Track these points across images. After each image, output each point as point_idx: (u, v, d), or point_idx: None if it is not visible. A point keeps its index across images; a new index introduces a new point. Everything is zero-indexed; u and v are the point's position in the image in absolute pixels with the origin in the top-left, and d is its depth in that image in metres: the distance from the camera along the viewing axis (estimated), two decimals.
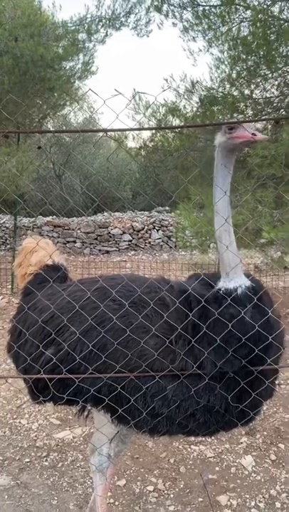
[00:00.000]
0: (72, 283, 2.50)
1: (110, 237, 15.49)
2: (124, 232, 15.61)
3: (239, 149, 2.12)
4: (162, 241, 15.77)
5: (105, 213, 16.57)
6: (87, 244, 15.21)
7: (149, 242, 15.70)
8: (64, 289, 2.35)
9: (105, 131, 1.82)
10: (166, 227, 15.67)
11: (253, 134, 1.96)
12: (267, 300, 2.11)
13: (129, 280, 2.25)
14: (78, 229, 15.24)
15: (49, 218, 15.29)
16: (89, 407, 2.35)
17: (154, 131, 7.43)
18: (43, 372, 2.09)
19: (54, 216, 15.50)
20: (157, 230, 15.88)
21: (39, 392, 2.15)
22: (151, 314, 2.04)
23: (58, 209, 15.11)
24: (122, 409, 1.97)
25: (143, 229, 15.78)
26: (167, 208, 16.34)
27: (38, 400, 2.14)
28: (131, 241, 15.60)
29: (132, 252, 15.18)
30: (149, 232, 15.83)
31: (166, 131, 7.25)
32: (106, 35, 8.41)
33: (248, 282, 2.02)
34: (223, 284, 2.02)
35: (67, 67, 8.71)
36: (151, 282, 2.27)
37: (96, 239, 15.36)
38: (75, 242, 15.26)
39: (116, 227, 15.64)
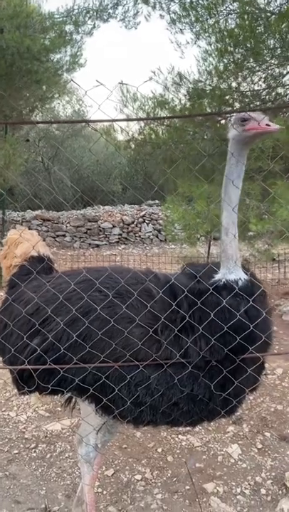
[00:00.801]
0: (57, 275, 2.51)
1: (100, 230, 15.46)
2: (114, 226, 15.59)
3: (252, 142, 2.10)
4: (152, 234, 15.79)
5: (95, 207, 16.53)
6: (76, 238, 15.17)
7: (139, 236, 15.70)
8: (49, 281, 2.36)
9: (88, 121, 1.82)
10: (156, 220, 15.67)
11: (267, 124, 1.95)
12: (262, 293, 2.15)
13: (116, 272, 2.26)
14: (68, 223, 15.19)
15: (38, 212, 15.22)
16: (74, 398, 2.38)
17: (142, 124, 7.42)
18: (28, 363, 2.10)
19: (43, 210, 15.43)
20: (147, 224, 15.88)
21: (24, 382, 2.17)
22: (137, 305, 2.06)
23: (48, 203, 15.04)
24: (106, 398, 1.99)
25: (133, 222, 15.77)
26: (157, 201, 16.34)
27: (24, 390, 2.16)
28: (121, 235, 15.58)
29: (122, 246, 15.18)
30: (139, 225, 15.83)
31: (155, 123, 7.24)
32: (94, 27, 8.36)
33: (246, 276, 2.06)
34: (223, 276, 2.05)
35: (55, 60, 8.64)
36: (137, 274, 2.29)
37: (86, 233, 15.33)
38: (64, 236, 15.21)
39: (106, 220, 15.61)
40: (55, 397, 2.36)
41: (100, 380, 1.97)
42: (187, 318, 1.99)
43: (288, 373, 4.91)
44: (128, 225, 15.69)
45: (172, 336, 1.98)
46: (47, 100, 10.17)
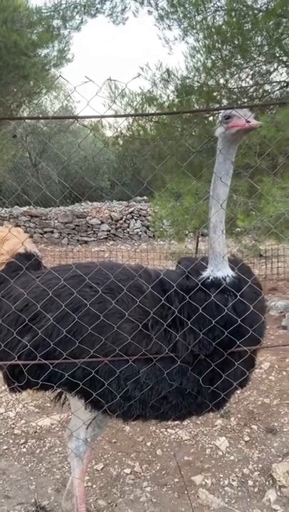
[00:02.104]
0: (46, 270, 2.52)
1: (88, 227, 15.43)
2: (102, 222, 15.58)
3: (239, 139, 2.10)
4: (141, 231, 15.80)
5: (83, 203, 16.49)
6: (64, 235, 15.13)
7: (128, 232, 15.71)
8: (38, 277, 2.37)
9: (76, 117, 1.83)
10: (145, 216, 15.69)
11: (247, 121, 1.98)
12: (255, 291, 2.20)
13: (106, 267, 2.28)
14: (56, 219, 15.13)
15: (26, 208, 15.14)
16: (64, 393, 2.40)
17: (131, 120, 7.41)
18: (18, 359, 2.11)
19: (31, 206, 15.35)
20: (136, 220, 15.89)
21: (16, 378, 2.17)
22: (128, 300, 2.08)
23: (35, 199, 14.96)
24: (96, 393, 2.02)
25: (121, 219, 15.77)
26: (145, 197, 16.36)
27: (14, 385, 2.17)
28: (109, 231, 15.58)
29: (111, 242, 15.18)
30: (128, 221, 15.84)
31: (144, 120, 7.25)
32: (81, 22, 8.32)
33: (233, 273, 2.09)
34: (211, 273, 2.08)
35: (42, 55, 8.58)
36: (127, 269, 2.31)
37: (74, 229, 15.29)
38: (52, 232, 15.16)
39: (94, 217, 15.59)
40: (46, 392, 2.37)
41: (90, 375, 1.99)
42: (176, 314, 2.01)
43: (275, 367, 4.98)
44: (116, 221, 15.68)
45: (162, 330, 2.01)
46: (34, 95, 10.09)
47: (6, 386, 2.43)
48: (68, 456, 2.72)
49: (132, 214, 15.85)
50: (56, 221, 15.10)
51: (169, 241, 14.22)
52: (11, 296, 2.34)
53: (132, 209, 15.84)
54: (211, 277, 2.07)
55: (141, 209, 15.82)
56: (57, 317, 2.06)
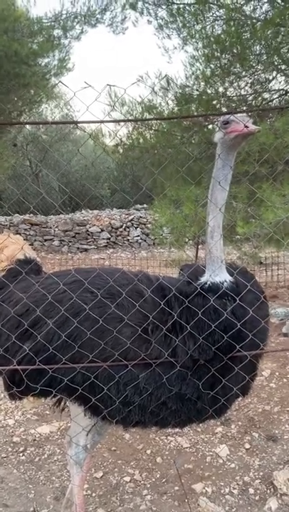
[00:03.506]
0: (47, 275, 2.52)
1: (88, 235, 15.45)
2: (102, 230, 15.59)
3: (238, 144, 2.10)
4: (141, 238, 15.82)
5: (83, 211, 16.53)
6: (65, 243, 15.14)
7: (128, 240, 15.72)
8: (39, 282, 2.37)
9: (76, 122, 1.84)
10: (145, 224, 15.71)
11: (245, 126, 1.97)
12: (256, 297, 2.20)
13: (106, 272, 2.28)
14: (56, 227, 15.15)
15: (26, 216, 15.17)
16: (64, 400, 2.38)
17: (130, 128, 7.46)
18: (19, 365, 2.10)
19: (31, 214, 15.38)
20: (136, 228, 15.91)
21: (16, 384, 2.16)
22: (128, 305, 2.08)
23: (36, 207, 15.00)
24: (95, 398, 2.01)
25: (121, 226, 15.79)
26: (145, 205, 16.40)
27: (13, 391, 2.15)
28: (109, 239, 15.59)
29: (111, 250, 15.18)
30: (128, 229, 15.86)
31: (143, 128, 7.29)
32: (82, 31, 8.40)
33: (231, 278, 2.09)
34: (209, 278, 2.08)
35: (43, 64, 8.65)
36: (128, 275, 2.31)
37: (74, 237, 15.30)
38: (52, 240, 15.17)
39: (94, 225, 15.61)
40: (46, 399, 2.35)
41: (90, 380, 1.98)
42: (176, 319, 2.01)
43: (276, 374, 4.96)
44: (116, 229, 15.70)
45: (162, 335, 2.00)
46: (35, 104, 10.16)
47: (5, 393, 2.42)
48: (68, 464, 2.70)
49: (132, 222, 15.87)
50: (56, 229, 15.12)
51: (168, 249, 14.24)
52: (12, 301, 2.33)
53: (132, 217, 15.87)
54: (208, 282, 2.07)
55: (141, 217, 15.84)
56: (57, 322, 2.06)
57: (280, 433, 3.83)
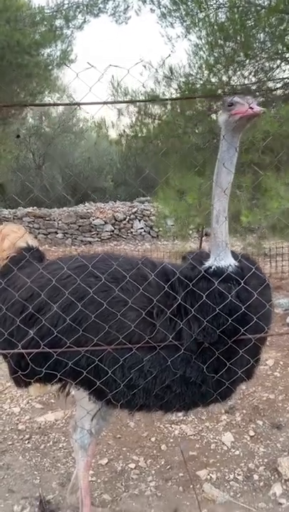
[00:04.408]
0: (51, 261, 2.52)
1: (92, 227, 15.43)
2: (106, 223, 15.57)
3: (243, 126, 2.07)
4: (144, 231, 15.79)
5: (87, 204, 16.50)
6: (68, 235, 15.13)
7: (131, 232, 15.70)
8: (43, 268, 2.37)
9: (79, 104, 1.83)
10: (148, 216, 15.68)
11: (250, 107, 1.94)
12: (258, 277, 2.18)
13: (110, 257, 2.27)
14: (59, 220, 15.14)
15: (30, 209, 15.15)
16: (69, 385, 2.39)
17: (133, 118, 7.41)
18: (25, 349, 2.10)
19: (35, 207, 15.37)
20: (139, 220, 15.88)
21: (22, 369, 2.16)
22: (133, 289, 2.08)
23: (39, 200, 14.98)
24: (100, 381, 2.01)
25: (125, 219, 15.76)
26: (149, 197, 16.35)
27: (18, 374, 2.15)
28: (113, 231, 15.57)
29: (114, 243, 15.16)
30: (131, 222, 15.83)
31: (146, 118, 7.25)
32: (84, 21, 8.33)
33: (235, 262, 2.08)
34: (214, 263, 2.07)
35: (45, 55, 8.60)
36: (133, 260, 2.31)
37: (78, 229, 15.29)
38: (56, 233, 15.16)
39: (98, 217, 15.59)
40: (51, 385, 2.35)
41: (94, 363, 1.99)
42: (180, 302, 2.00)
43: (280, 364, 4.96)
44: (120, 221, 15.67)
45: (166, 319, 2.00)
46: (37, 95, 10.12)
47: (11, 380, 2.42)
48: (73, 450, 2.71)
49: (136, 214, 15.84)
50: (60, 222, 15.11)
51: (172, 241, 14.23)
52: (16, 286, 2.33)
53: (136, 209, 15.83)
54: (213, 266, 2.06)
55: (144, 209, 15.80)
56: (62, 306, 2.06)
57: (285, 421, 3.84)
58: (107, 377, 1.99)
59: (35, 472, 3.25)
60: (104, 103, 1.86)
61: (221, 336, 1.96)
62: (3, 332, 2.20)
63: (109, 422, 2.75)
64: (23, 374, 2.11)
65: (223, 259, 2.06)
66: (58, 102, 17.79)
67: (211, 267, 2.06)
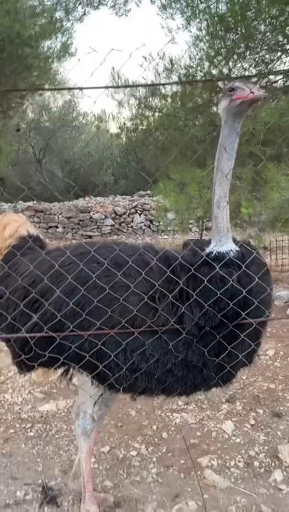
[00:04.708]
0: (54, 248, 2.54)
1: (92, 221, 15.45)
2: (106, 217, 15.59)
3: (244, 111, 2.08)
4: (144, 225, 15.81)
5: (87, 198, 16.51)
6: (68, 229, 15.16)
7: (132, 227, 15.72)
8: (46, 255, 2.38)
9: (81, 88, 1.83)
10: (148, 211, 15.69)
11: (251, 91, 1.94)
12: (258, 263, 2.20)
13: (113, 244, 2.29)
14: (60, 214, 15.16)
15: (30, 203, 15.18)
16: (72, 370, 2.41)
17: (134, 111, 7.41)
18: (28, 336, 2.12)
19: (35, 201, 15.38)
20: (139, 214, 15.90)
21: (25, 353, 2.18)
22: (135, 274, 2.09)
23: (39, 194, 14.99)
24: (102, 365, 2.03)
25: (125, 213, 15.77)
26: (149, 192, 16.35)
27: (22, 358, 2.17)
28: (113, 225, 15.59)
29: (115, 237, 15.18)
30: (132, 216, 15.85)
31: (146, 111, 7.25)
32: (84, 13, 8.30)
33: (236, 247, 2.09)
34: (215, 248, 2.08)
35: (45, 47, 8.57)
36: (135, 246, 2.33)
37: (78, 224, 15.31)
38: (56, 227, 15.19)
39: (98, 211, 15.60)
40: (54, 370, 2.37)
41: (97, 347, 2.00)
42: (182, 286, 2.02)
43: (280, 354, 4.98)
44: (120, 215, 15.69)
45: (168, 303, 2.02)
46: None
47: (14, 365, 2.44)
48: (75, 435, 2.73)
49: (136, 208, 15.85)
50: (60, 216, 15.13)
51: (172, 235, 14.25)
52: (19, 273, 2.35)
53: (136, 203, 15.84)
54: (214, 252, 2.07)
55: (144, 203, 15.81)
56: (66, 291, 2.08)
57: (285, 409, 3.86)
58: (110, 361, 2.01)
59: (38, 459, 3.28)
60: (106, 87, 1.87)
61: (222, 320, 1.98)
62: (7, 317, 2.22)
63: (110, 408, 2.77)
64: (27, 358, 2.13)
65: (224, 245, 2.08)
66: (58, 95, 17.74)
67: (212, 252, 2.07)
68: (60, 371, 2.41)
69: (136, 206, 15.80)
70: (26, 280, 2.24)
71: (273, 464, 3.17)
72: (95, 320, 2.01)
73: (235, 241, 2.21)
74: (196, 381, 2.09)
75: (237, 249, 2.08)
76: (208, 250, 2.11)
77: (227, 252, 2.05)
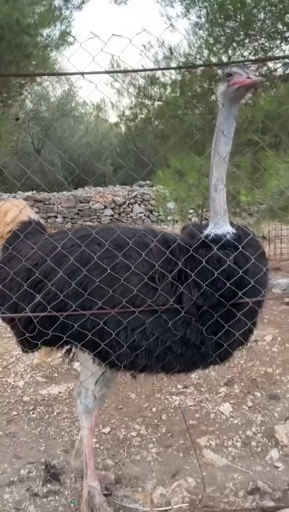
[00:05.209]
0: (55, 232, 2.59)
1: (92, 211, 15.46)
2: (105, 207, 15.60)
3: (241, 96, 2.11)
4: (144, 215, 15.83)
5: (86, 188, 16.51)
6: (68, 219, 15.16)
7: (131, 217, 15.73)
8: (47, 238, 2.44)
9: (82, 73, 1.87)
10: (148, 201, 15.70)
11: (248, 77, 1.97)
12: (254, 245, 2.25)
13: (113, 227, 2.35)
14: (59, 204, 15.16)
15: (29, 193, 15.17)
16: (74, 350, 2.48)
17: (133, 99, 7.41)
18: (32, 315, 2.18)
19: (34, 191, 15.38)
20: (139, 204, 15.91)
21: (30, 332, 2.24)
22: (135, 255, 2.15)
23: (38, 184, 14.98)
24: (104, 343, 2.09)
25: (125, 203, 15.78)
26: (148, 181, 16.35)
27: (25, 336, 2.23)
28: (113, 215, 15.60)
29: None
30: (131, 206, 15.86)
31: (145, 100, 7.25)
32: (83, 1, 8.26)
33: (233, 229, 2.14)
34: (212, 231, 2.13)
35: (44, 35, 8.53)
36: (135, 229, 2.38)
37: (77, 214, 15.32)
38: (56, 217, 15.20)
39: (97, 201, 15.60)
40: (57, 348, 2.44)
41: (99, 326, 2.07)
42: (181, 266, 2.08)
43: (278, 340, 5.06)
44: (120, 205, 15.70)
45: (168, 283, 2.08)
46: (36, 78, 10.05)
47: (18, 344, 2.50)
48: (77, 414, 2.80)
49: (135, 198, 15.85)
50: (59, 206, 15.14)
51: (172, 225, 14.27)
52: (22, 255, 2.40)
53: (135, 193, 15.84)
54: (212, 234, 2.12)
55: (144, 193, 15.81)
56: (68, 272, 2.14)
57: (282, 392, 3.94)
58: (112, 339, 2.08)
59: (40, 440, 3.37)
60: (107, 72, 1.91)
61: (219, 299, 2.04)
62: (11, 297, 2.28)
63: (111, 389, 2.85)
64: (31, 337, 2.20)
65: (221, 227, 2.12)
66: (57, 84, 17.66)
67: (210, 235, 2.12)
68: (62, 350, 2.48)
69: (135, 196, 15.81)
70: (29, 262, 2.29)
71: (270, 444, 3.26)
72: (96, 300, 2.07)
73: (232, 224, 2.27)
74: (195, 358, 2.16)
75: (234, 231, 2.13)
76: (206, 232, 2.16)
77: (224, 234, 2.10)
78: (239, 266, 2.05)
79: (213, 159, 2.14)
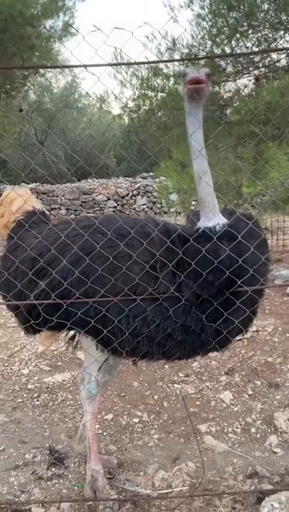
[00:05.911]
0: (58, 223, 2.64)
1: (95, 203, 15.52)
2: (108, 199, 15.65)
3: (196, 98, 2.08)
4: (147, 207, 15.88)
5: (89, 180, 16.54)
6: (71, 211, 15.24)
7: (134, 208, 15.79)
8: (51, 228, 2.49)
9: (85, 66, 1.91)
10: (151, 192, 15.74)
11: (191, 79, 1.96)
12: (253, 235, 2.29)
13: (116, 217, 2.39)
14: (62, 196, 15.23)
15: (33, 185, 15.22)
16: (77, 336, 2.54)
17: (136, 91, 7.42)
18: (37, 302, 2.24)
19: (38, 183, 15.43)
20: (142, 196, 15.95)
21: (34, 318, 2.30)
22: (137, 245, 2.20)
23: (42, 176, 15.02)
24: (106, 330, 2.16)
25: (128, 195, 15.83)
26: (151, 173, 16.35)
27: (30, 323, 2.30)
28: (116, 207, 15.66)
29: None
30: (134, 198, 15.91)
31: (148, 91, 7.25)
32: None
33: (224, 220, 2.16)
34: (202, 224, 2.17)
35: (47, 27, 8.53)
36: (137, 219, 2.43)
37: (81, 205, 15.39)
38: (59, 208, 15.27)
39: (100, 193, 15.66)
40: (62, 334, 2.51)
41: (102, 313, 2.13)
42: (181, 257, 2.13)
43: (278, 330, 5.12)
44: (123, 197, 15.75)
45: (168, 272, 2.13)
46: (39, 70, 10.06)
47: (21, 328, 2.56)
48: (81, 398, 2.87)
49: (138, 190, 15.90)
50: (63, 198, 15.20)
51: (175, 216, 14.30)
52: (27, 245, 2.46)
53: (138, 185, 15.87)
54: (201, 228, 2.13)
55: (147, 185, 15.85)
56: (71, 260, 2.19)
57: (282, 381, 4.01)
58: (114, 326, 2.14)
59: (45, 426, 3.45)
60: (110, 65, 1.94)
61: (216, 289, 2.09)
62: (16, 285, 2.34)
63: (113, 376, 2.92)
64: (35, 323, 2.26)
65: (211, 220, 2.14)
66: (60, 76, 17.61)
67: (199, 228, 2.14)
68: (64, 335, 2.54)
69: (138, 188, 15.85)
70: (34, 251, 2.35)
71: (269, 430, 3.33)
72: (99, 288, 2.13)
73: (232, 213, 2.30)
74: (195, 345, 2.22)
75: (224, 223, 2.14)
76: (196, 226, 2.19)
77: (214, 227, 2.12)
78: (231, 257, 2.07)
79: (191, 155, 2.17)
